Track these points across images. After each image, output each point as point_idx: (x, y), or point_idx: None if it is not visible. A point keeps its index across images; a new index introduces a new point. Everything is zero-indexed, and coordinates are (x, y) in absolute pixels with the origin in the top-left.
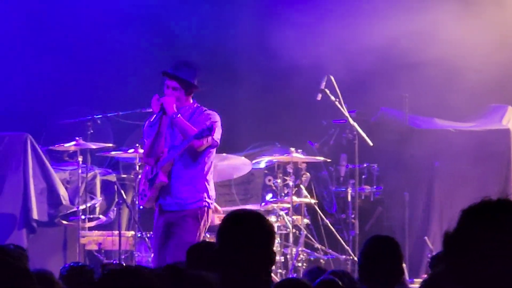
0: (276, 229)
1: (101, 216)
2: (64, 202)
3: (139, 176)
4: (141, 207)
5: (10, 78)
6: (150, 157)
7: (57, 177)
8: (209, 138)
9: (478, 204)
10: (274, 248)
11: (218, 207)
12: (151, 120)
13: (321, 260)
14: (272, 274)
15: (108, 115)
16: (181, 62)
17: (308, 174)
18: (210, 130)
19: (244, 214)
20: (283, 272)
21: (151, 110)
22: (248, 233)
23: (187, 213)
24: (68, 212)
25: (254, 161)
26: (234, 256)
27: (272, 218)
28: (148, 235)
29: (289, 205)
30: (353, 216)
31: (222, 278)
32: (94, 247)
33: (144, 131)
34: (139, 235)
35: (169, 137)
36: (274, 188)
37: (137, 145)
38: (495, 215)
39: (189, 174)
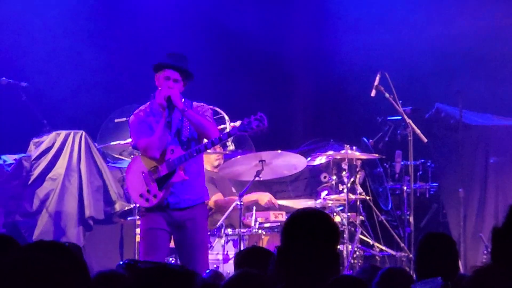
0: None
1: None
2: (120, 200)
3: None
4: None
5: (67, 76)
6: (158, 150)
7: (113, 175)
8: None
9: None
10: None
11: (274, 200)
12: (147, 111)
13: (377, 257)
14: None
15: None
16: (178, 53)
17: (363, 170)
18: (251, 123)
19: (310, 213)
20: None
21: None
22: (315, 232)
23: (198, 209)
24: (124, 210)
25: (309, 158)
26: (300, 256)
27: None
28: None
29: (344, 202)
30: (408, 213)
31: (287, 278)
32: None
33: (136, 125)
34: None
35: (173, 133)
36: (329, 185)
37: None
38: None
39: (197, 168)
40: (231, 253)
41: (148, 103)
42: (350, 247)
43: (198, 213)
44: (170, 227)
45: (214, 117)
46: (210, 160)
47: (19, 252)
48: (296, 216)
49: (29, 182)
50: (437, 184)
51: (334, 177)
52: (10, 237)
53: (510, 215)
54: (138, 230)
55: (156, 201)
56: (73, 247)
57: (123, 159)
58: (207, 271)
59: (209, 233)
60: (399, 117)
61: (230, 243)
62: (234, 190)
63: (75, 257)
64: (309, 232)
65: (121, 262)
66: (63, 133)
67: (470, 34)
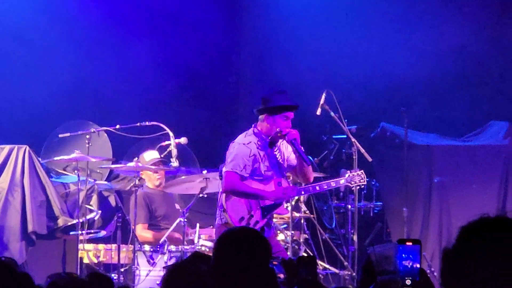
0: None
1: (99, 232)
2: (63, 215)
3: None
4: None
5: (10, 91)
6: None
7: (56, 190)
8: None
9: (477, 221)
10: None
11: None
12: (258, 146)
13: (320, 276)
14: None
15: (108, 128)
16: (287, 91)
17: None
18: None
19: (239, 232)
20: None
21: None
22: (246, 249)
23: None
24: (67, 225)
25: None
26: (231, 275)
27: None
28: (148, 248)
29: (288, 220)
30: (352, 231)
31: None
32: (93, 260)
33: (246, 159)
34: (137, 248)
35: (277, 167)
36: None
37: (136, 158)
38: (493, 232)
39: None
40: None
41: (252, 133)
42: None
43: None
44: None
45: (159, 133)
46: (151, 178)
47: None
48: (227, 235)
49: None
50: (381, 203)
51: None
52: None
53: (461, 236)
54: (81, 246)
55: (257, 227)
56: (9, 261)
57: (66, 174)
58: None
59: (152, 249)
60: (344, 136)
61: (173, 260)
62: (178, 207)
63: (12, 272)
64: (240, 250)
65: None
66: (6, 147)
67: (417, 54)
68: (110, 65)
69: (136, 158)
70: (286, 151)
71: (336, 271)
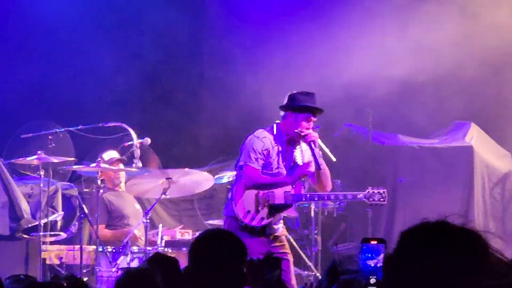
0: None
1: (61, 233)
2: (26, 216)
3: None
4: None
5: None
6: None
7: (19, 191)
8: None
9: (416, 226)
10: None
11: (139, 234)
12: (272, 141)
13: None
14: None
15: (70, 129)
16: (312, 93)
17: None
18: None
19: (216, 233)
20: None
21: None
22: (221, 252)
23: (282, 233)
24: (30, 226)
25: (216, 176)
26: (207, 276)
27: None
28: (110, 249)
29: None
30: (316, 232)
31: None
32: (55, 261)
33: (259, 153)
34: (100, 249)
35: (291, 168)
36: None
37: (99, 159)
38: (430, 237)
39: None
40: None
41: (271, 129)
42: None
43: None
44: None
45: (122, 134)
46: (111, 178)
47: None
48: (202, 237)
49: None
50: (345, 204)
51: None
52: None
53: (401, 242)
54: (44, 247)
55: (261, 224)
56: None
57: (29, 175)
58: None
59: (114, 250)
60: None
61: (136, 261)
62: (138, 207)
63: None
64: (215, 252)
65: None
66: None
67: (382, 54)
68: (72, 65)
69: (99, 159)
70: (307, 156)
71: (300, 271)
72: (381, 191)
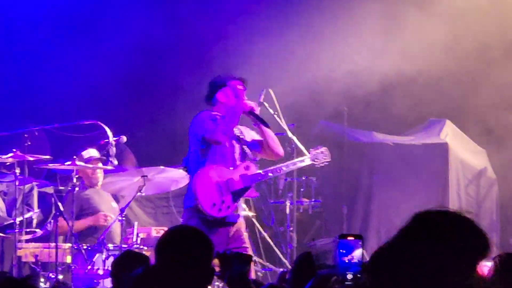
0: None
1: (37, 230)
2: (1, 214)
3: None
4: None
5: None
6: (226, 136)
7: None
8: None
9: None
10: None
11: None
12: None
13: (259, 273)
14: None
15: (45, 127)
16: None
17: None
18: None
19: (184, 230)
20: (220, 285)
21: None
22: (188, 249)
23: (241, 223)
24: (5, 224)
25: None
26: (173, 273)
27: None
28: (85, 247)
29: None
30: (291, 229)
31: None
32: (31, 259)
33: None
34: (75, 247)
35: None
36: None
37: (74, 157)
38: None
39: None
40: None
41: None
42: None
43: (241, 227)
44: (225, 243)
45: (97, 132)
46: (89, 177)
47: None
48: (168, 234)
49: None
50: (320, 201)
51: None
52: None
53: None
54: (19, 245)
55: (229, 212)
56: None
57: (5, 173)
58: None
59: (89, 248)
60: (283, 134)
61: (111, 258)
62: (114, 206)
63: None
64: (182, 249)
65: None
66: None
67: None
68: (47, 63)
69: (75, 157)
70: (247, 133)
71: (275, 268)
72: (322, 149)
